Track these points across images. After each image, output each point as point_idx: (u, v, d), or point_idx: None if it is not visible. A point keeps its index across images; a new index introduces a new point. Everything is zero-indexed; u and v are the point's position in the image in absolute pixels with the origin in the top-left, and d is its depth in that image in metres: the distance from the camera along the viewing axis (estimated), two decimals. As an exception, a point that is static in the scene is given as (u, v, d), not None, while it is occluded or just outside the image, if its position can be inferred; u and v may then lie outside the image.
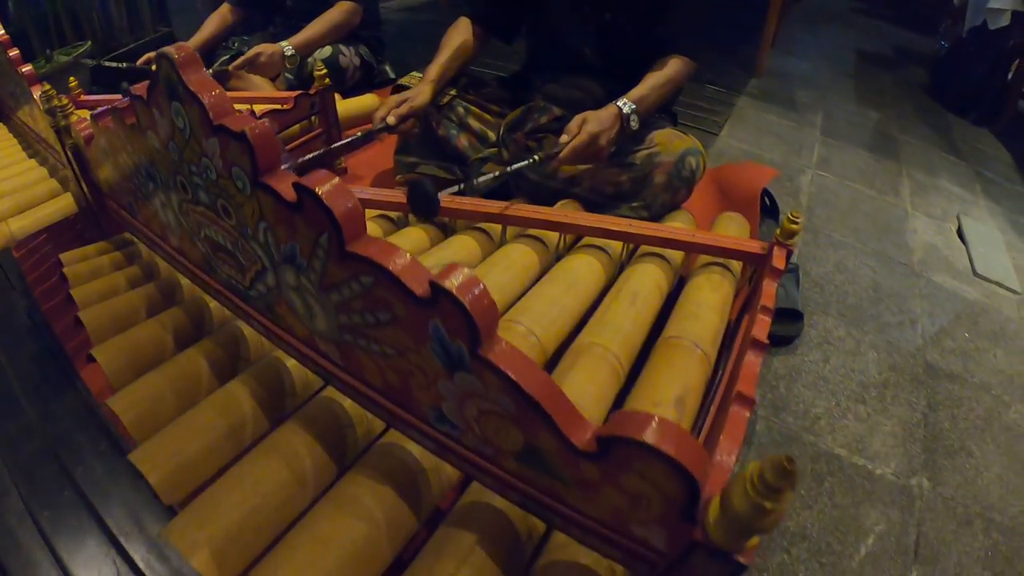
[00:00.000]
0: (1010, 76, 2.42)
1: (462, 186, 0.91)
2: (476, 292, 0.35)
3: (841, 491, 0.91)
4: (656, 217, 1.12)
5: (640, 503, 0.37)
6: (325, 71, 1.26)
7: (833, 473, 0.93)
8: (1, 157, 1.15)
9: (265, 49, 1.49)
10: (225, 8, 1.78)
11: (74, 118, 0.81)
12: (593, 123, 0.99)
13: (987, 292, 1.44)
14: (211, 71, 1.49)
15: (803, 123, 2.10)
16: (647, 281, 0.83)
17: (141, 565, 0.71)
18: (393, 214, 1.08)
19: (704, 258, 0.91)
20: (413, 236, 0.99)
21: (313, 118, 1.31)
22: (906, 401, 1.08)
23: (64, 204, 0.97)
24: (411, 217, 1.07)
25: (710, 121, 1.94)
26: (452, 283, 0.35)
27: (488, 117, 1.27)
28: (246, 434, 0.57)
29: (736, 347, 0.74)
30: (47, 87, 0.84)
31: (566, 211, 0.96)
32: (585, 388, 0.63)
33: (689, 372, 0.67)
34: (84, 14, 1.99)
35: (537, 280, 0.84)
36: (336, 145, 1.12)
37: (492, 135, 1.24)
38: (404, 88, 1.20)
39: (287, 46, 1.55)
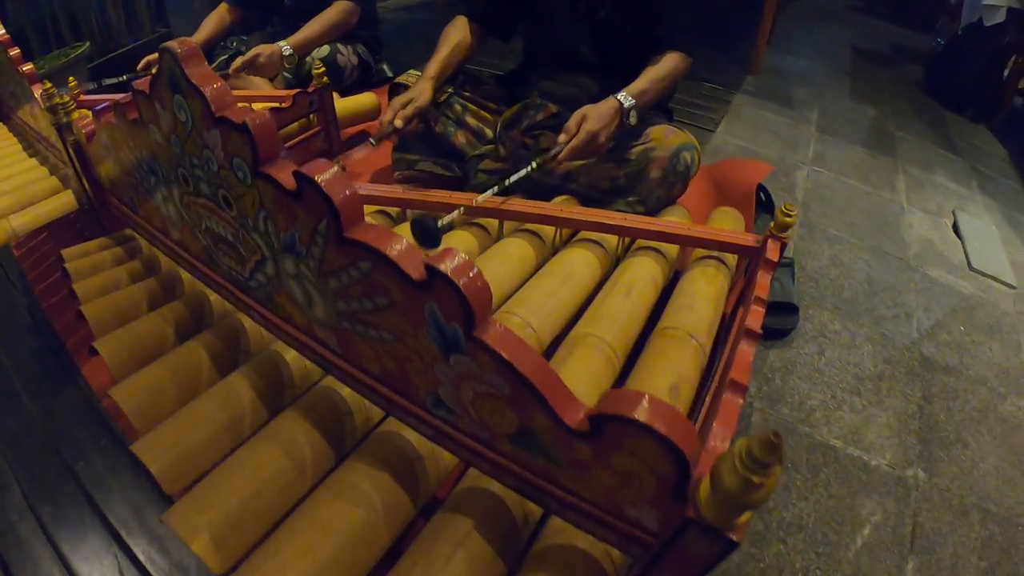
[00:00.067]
0: (1006, 73, 2.43)
1: (462, 210, 0.92)
2: (471, 275, 0.36)
3: (837, 482, 0.92)
4: (652, 212, 1.12)
5: (632, 483, 0.38)
6: (323, 69, 1.27)
7: (829, 464, 0.94)
8: (2, 156, 1.16)
9: (264, 50, 1.50)
10: (223, 8, 1.78)
11: (75, 115, 0.82)
12: (592, 121, 1.00)
13: (983, 286, 1.44)
14: (210, 70, 1.49)
15: (799, 120, 2.11)
16: (642, 274, 0.84)
17: (142, 559, 0.72)
18: (392, 210, 1.09)
19: (699, 251, 0.92)
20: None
21: (311, 116, 1.32)
22: (901, 393, 1.09)
23: (65, 201, 0.98)
24: (409, 213, 1.08)
25: (706, 118, 1.95)
26: (447, 266, 0.36)
27: (485, 114, 1.28)
28: (245, 426, 0.57)
29: (731, 338, 0.74)
30: (48, 85, 0.85)
31: (562, 206, 0.97)
32: (580, 377, 0.63)
33: (683, 361, 0.68)
34: (82, 15, 2.00)
35: (534, 274, 0.85)
36: (352, 154, 1.13)
37: (489, 132, 1.25)
38: (401, 86, 1.21)
39: (285, 46, 1.55)
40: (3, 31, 1.02)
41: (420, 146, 1.28)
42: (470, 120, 1.26)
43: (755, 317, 0.67)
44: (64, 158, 0.89)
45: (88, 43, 1.95)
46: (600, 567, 0.50)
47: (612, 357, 0.68)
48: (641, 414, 0.33)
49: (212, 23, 1.75)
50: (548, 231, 0.98)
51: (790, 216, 0.79)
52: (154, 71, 0.53)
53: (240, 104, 0.47)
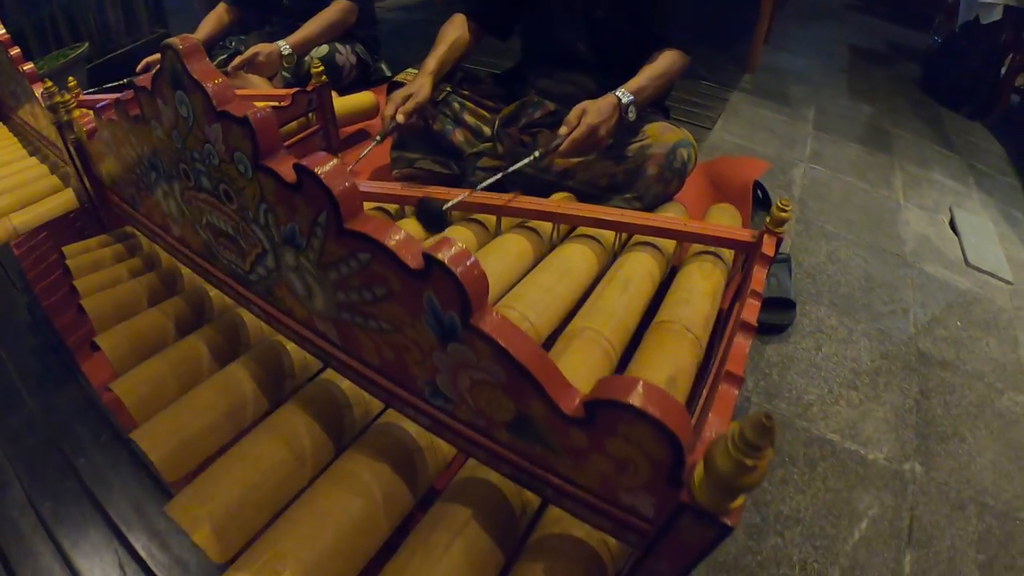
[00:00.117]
0: (1003, 70, 2.44)
1: (468, 193, 0.93)
2: (467, 263, 0.36)
3: (834, 476, 0.92)
4: (649, 208, 1.13)
5: (627, 468, 0.38)
6: (322, 69, 1.28)
7: (826, 458, 0.94)
8: (2, 155, 1.17)
9: (263, 48, 1.51)
10: (222, 8, 1.79)
11: (76, 113, 0.82)
12: (592, 114, 1.00)
13: (979, 282, 1.45)
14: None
15: (796, 118, 2.11)
16: (639, 269, 0.84)
17: (143, 554, 0.72)
18: (391, 207, 1.09)
19: (696, 247, 0.92)
20: (410, 228, 1.00)
21: (310, 115, 1.33)
22: (898, 388, 1.10)
23: (65, 200, 0.99)
24: (407, 209, 1.08)
25: (703, 116, 1.95)
26: (444, 255, 0.36)
27: (483, 112, 1.28)
28: (246, 414, 0.58)
29: (727, 331, 0.75)
30: (49, 84, 0.86)
31: (560, 202, 0.97)
32: (578, 370, 0.64)
33: (680, 354, 0.68)
34: (81, 16, 2.00)
35: (532, 269, 0.86)
36: (363, 156, 1.13)
37: (487, 130, 1.26)
38: (399, 85, 1.21)
39: (284, 45, 1.56)
40: (3, 31, 1.03)
41: (418, 144, 1.28)
42: (468, 118, 1.27)
43: (751, 310, 0.68)
44: (64, 156, 0.90)
45: (87, 44, 1.96)
46: (597, 556, 0.50)
47: (609, 350, 0.69)
48: (635, 399, 0.34)
49: (211, 23, 1.76)
50: (546, 227, 0.99)
51: (786, 211, 0.79)
52: (156, 69, 0.53)
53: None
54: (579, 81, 1.25)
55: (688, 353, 0.69)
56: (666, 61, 1.12)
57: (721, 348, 0.72)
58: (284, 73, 1.60)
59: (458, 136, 1.26)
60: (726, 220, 1.06)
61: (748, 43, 2.38)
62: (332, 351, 0.54)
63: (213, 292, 0.75)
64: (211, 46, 1.75)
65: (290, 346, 0.65)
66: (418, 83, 1.13)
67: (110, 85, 1.48)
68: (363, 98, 1.55)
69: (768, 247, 0.79)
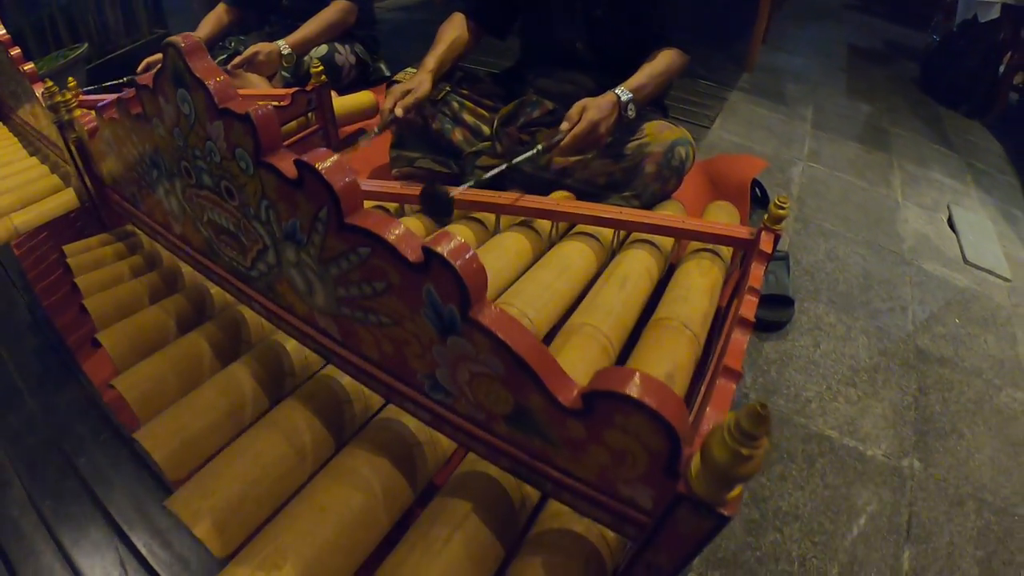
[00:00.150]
0: (1001, 69, 2.45)
1: (471, 183, 0.93)
2: (466, 257, 0.37)
3: (833, 472, 0.92)
4: (647, 206, 1.13)
5: (625, 460, 0.39)
6: (321, 68, 1.28)
7: (824, 454, 0.95)
8: (2, 155, 1.17)
9: (263, 48, 1.51)
10: (221, 8, 1.79)
11: (77, 112, 0.82)
12: (593, 111, 1.01)
13: (978, 280, 1.45)
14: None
15: (794, 116, 2.12)
16: (637, 266, 0.85)
17: (144, 552, 0.72)
18: (391, 206, 1.10)
19: (694, 244, 0.93)
20: (409, 226, 1.00)
21: (310, 114, 1.33)
22: (897, 385, 1.10)
23: (66, 199, 0.99)
24: (407, 207, 1.09)
25: (702, 115, 1.96)
26: (444, 248, 0.37)
27: (482, 111, 1.29)
28: (247, 413, 0.58)
29: (725, 328, 0.75)
30: (50, 83, 0.86)
31: (559, 200, 0.98)
32: (576, 365, 0.64)
33: (678, 351, 0.69)
34: (80, 16, 2.00)
35: (531, 267, 0.86)
36: (360, 146, 1.13)
37: (486, 129, 1.26)
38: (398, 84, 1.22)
39: (284, 45, 1.56)
40: (3, 31, 1.03)
41: (418, 143, 1.29)
42: (467, 117, 1.27)
43: (749, 306, 0.68)
44: (65, 156, 0.90)
45: (86, 45, 1.96)
46: (596, 550, 0.50)
47: (607, 346, 0.69)
48: (632, 390, 0.34)
49: (210, 23, 1.76)
50: (545, 225, 0.99)
51: (783, 208, 0.80)
52: (158, 68, 0.54)
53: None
54: (578, 80, 1.26)
55: (686, 349, 0.70)
56: (665, 60, 1.13)
57: (719, 344, 0.72)
58: (283, 73, 1.61)
59: (457, 135, 1.27)
60: (724, 218, 1.06)
61: (746, 42, 2.39)
62: (332, 347, 0.54)
63: (214, 289, 0.75)
64: (211, 46, 1.75)
65: (291, 344, 0.65)
66: (417, 79, 1.13)
67: (109, 84, 1.49)
68: (362, 98, 1.56)
69: (766, 244, 0.79)
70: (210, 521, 0.49)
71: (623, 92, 1.06)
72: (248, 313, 0.69)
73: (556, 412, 0.39)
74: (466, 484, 0.52)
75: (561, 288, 0.80)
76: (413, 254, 0.39)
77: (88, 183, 0.87)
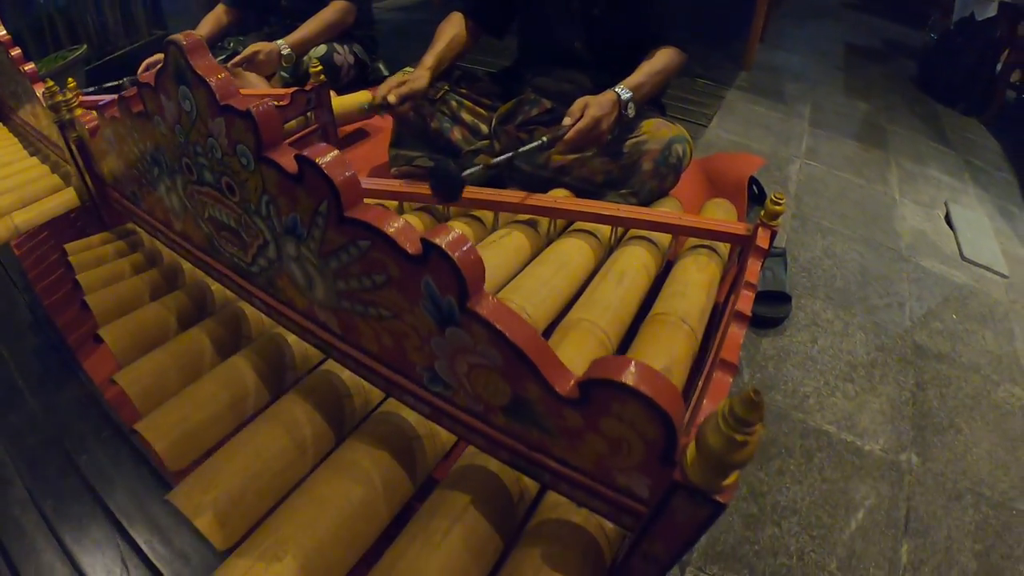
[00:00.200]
0: (998, 67, 2.45)
1: (479, 167, 0.93)
2: (464, 248, 0.37)
3: (831, 466, 0.93)
4: (644, 203, 1.14)
5: (621, 448, 0.39)
6: (320, 68, 1.29)
7: (822, 449, 0.95)
8: (2, 156, 1.17)
9: (263, 47, 1.52)
10: (220, 9, 1.80)
11: (78, 112, 0.83)
12: (595, 107, 1.02)
13: (975, 276, 1.46)
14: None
15: (791, 114, 2.13)
16: (634, 262, 0.85)
17: (144, 548, 0.73)
18: (390, 204, 1.10)
19: (692, 241, 0.93)
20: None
21: (309, 114, 1.33)
22: (894, 380, 1.10)
23: (66, 198, 0.99)
24: (406, 205, 1.09)
25: (699, 113, 1.97)
26: (442, 240, 0.37)
27: (480, 110, 1.29)
28: (248, 405, 0.59)
29: (723, 322, 0.76)
30: (50, 83, 0.86)
31: (556, 197, 0.98)
32: (574, 360, 0.65)
33: (675, 345, 0.69)
34: (79, 17, 2.01)
35: (529, 263, 0.87)
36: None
37: (484, 128, 1.27)
38: (398, 84, 1.22)
39: (284, 45, 1.57)
40: (3, 32, 1.03)
41: (416, 142, 1.29)
42: (465, 116, 1.28)
43: (745, 301, 0.68)
44: (66, 155, 0.90)
45: (85, 46, 1.97)
46: (594, 541, 0.51)
47: (605, 341, 0.70)
48: (628, 378, 0.34)
49: (209, 24, 1.76)
50: (543, 222, 1.00)
51: (779, 204, 0.80)
52: (159, 66, 0.54)
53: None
54: (576, 79, 1.26)
55: (683, 344, 0.70)
56: (663, 59, 1.13)
57: (716, 338, 0.73)
58: (282, 73, 1.61)
59: (456, 134, 1.27)
60: (722, 215, 1.06)
61: (744, 41, 2.40)
62: (332, 341, 0.55)
63: (214, 286, 0.76)
64: (210, 47, 1.76)
65: (291, 339, 0.66)
66: (416, 73, 1.14)
67: (109, 84, 1.49)
68: (361, 98, 1.56)
69: (762, 240, 0.80)
70: (211, 514, 0.49)
71: (623, 91, 1.06)
72: (249, 309, 0.70)
73: (553, 402, 0.39)
74: (465, 477, 0.53)
75: (559, 284, 0.80)
76: (412, 246, 0.39)
77: (89, 182, 0.88)
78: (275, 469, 0.53)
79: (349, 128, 1.60)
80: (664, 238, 0.96)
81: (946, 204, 1.73)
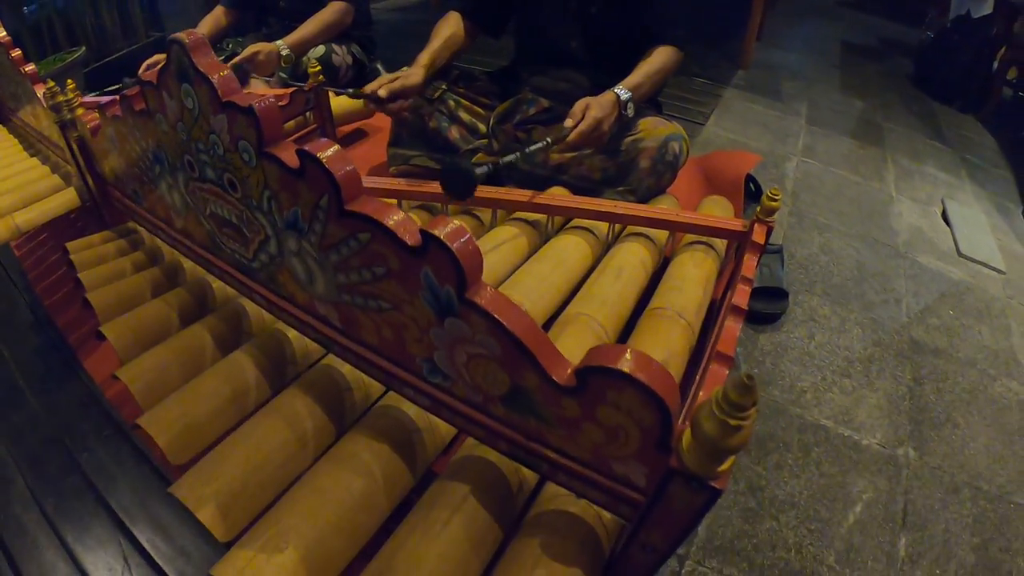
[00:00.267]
0: (994, 64, 2.46)
1: (490, 167, 0.94)
2: (463, 239, 0.38)
3: (828, 461, 0.93)
4: (642, 201, 1.14)
5: (618, 436, 0.40)
6: (319, 68, 1.29)
7: (820, 444, 0.96)
8: (3, 156, 1.18)
9: (263, 47, 1.52)
10: (219, 10, 1.80)
11: (79, 111, 0.83)
12: (596, 108, 1.02)
13: (972, 272, 1.47)
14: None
15: (788, 112, 2.13)
16: (632, 258, 0.86)
17: (146, 545, 0.73)
18: (389, 202, 1.11)
19: (689, 237, 0.94)
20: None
21: (308, 114, 1.34)
22: (891, 375, 1.11)
23: (67, 199, 1.00)
24: (404, 204, 1.10)
25: (696, 112, 1.97)
26: (440, 231, 0.38)
27: (478, 110, 1.30)
28: (250, 400, 0.59)
29: (720, 318, 0.76)
30: (51, 84, 0.87)
31: (555, 195, 0.99)
32: (572, 353, 0.64)
33: (672, 339, 0.70)
34: (77, 20, 2.01)
35: (527, 260, 0.87)
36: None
37: (482, 127, 1.27)
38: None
39: (283, 45, 1.58)
40: (4, 33, 1.04)
41: (415, 142, 1.30)
42: (463, 115, 1.28)
43: (741, 295, 0.69)
44: (66, 156, 0.91)
45: (83, 48, 1.97)
46: (592, 531, 0.51)
47: (603, 335, 0.70)
48: (624, 365, 0.35)
49: (208, 25, 1.77)
50: (541, 219, 1.00)
51: (775, 201, 0.81)
52: (161, 65, 0.55)
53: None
54: (573, 78, 1.27)
55: (680, 338, 0.71)
56: (661, 58, 1.14)
57: (713, 332, 0.73)
58: (281, 73, 1.62)
59: (454, 133, 1.28)
60: (718, 212, 1.07)
61: (741, 40, 2.41)
62: (333, 335, 0.55)
63: (215, 283, 0.76)
64: (209, 48, 1.76)
65: (292, 334, 0.66)
66: (410, 71, 1.15)
67: (110, 89, 1.50)
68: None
69: (759, 235, 0.80)
70: (214, 506, 0.50)
71: (622, 91, 1.07)
72: (249, 305, 0.70)
73: (551, 390, 0.40)
74: (465, 468, 0.53)
75: (557, 280, 0.81)
76: (411, 238, 0.40)
77: (90, 181, 0.88)
78: (276, 462, 0.53)
79: (348, 128, 1.61)
80: (661, 234, 0.97)
81: (943, 201, 1.74)
